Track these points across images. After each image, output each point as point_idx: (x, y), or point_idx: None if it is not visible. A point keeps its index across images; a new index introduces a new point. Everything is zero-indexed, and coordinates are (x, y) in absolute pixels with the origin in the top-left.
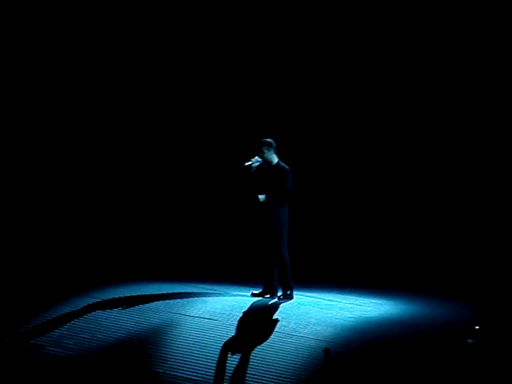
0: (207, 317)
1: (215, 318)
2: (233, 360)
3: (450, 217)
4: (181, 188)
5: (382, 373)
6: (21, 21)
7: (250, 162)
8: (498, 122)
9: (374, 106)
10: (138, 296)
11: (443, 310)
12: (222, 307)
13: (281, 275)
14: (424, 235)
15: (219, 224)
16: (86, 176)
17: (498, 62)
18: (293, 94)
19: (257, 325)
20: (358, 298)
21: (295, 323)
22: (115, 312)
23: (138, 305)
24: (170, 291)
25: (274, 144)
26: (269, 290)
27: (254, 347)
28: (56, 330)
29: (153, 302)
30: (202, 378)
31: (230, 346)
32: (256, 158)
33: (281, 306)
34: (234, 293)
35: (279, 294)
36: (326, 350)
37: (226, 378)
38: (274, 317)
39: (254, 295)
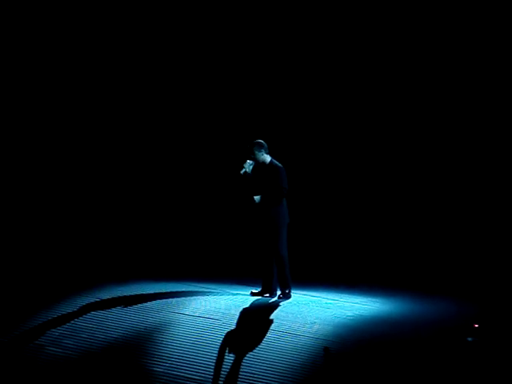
0: (207, 316)
1: (215, 317)
2: (232, 359)
3: (450, 217)
4: (180, 188)
5: (381, 371)
6: (21, 21)
7: (244, 169)
8: (498, 122)
9: (373, 105)
10: (138, 295)
11: (443, 309)
12: (222, 306)
13: (280, 274)
14: (424, 235)
15: (218, 223)
16: (86, 176)
17: (497, 62)
18: (293, 94)
19: (256, 324)
20: (357, 296)
21: (294, 322)
22: (115, 311)
23: (137, 304)
24: (170, 290)
25: (265, 144)
26: (268, 289)
27: (254, 346)
28: (56, 330)
29: (152, 301)
30: (202, 377)
31: (229, 345)
32: (248, 161)
33: (280, 304)
34: (234, 292)
35: (278, 292)
36: (326, 349)
37: (226, 376)
38: (274, 316)
39: (253, 294)
